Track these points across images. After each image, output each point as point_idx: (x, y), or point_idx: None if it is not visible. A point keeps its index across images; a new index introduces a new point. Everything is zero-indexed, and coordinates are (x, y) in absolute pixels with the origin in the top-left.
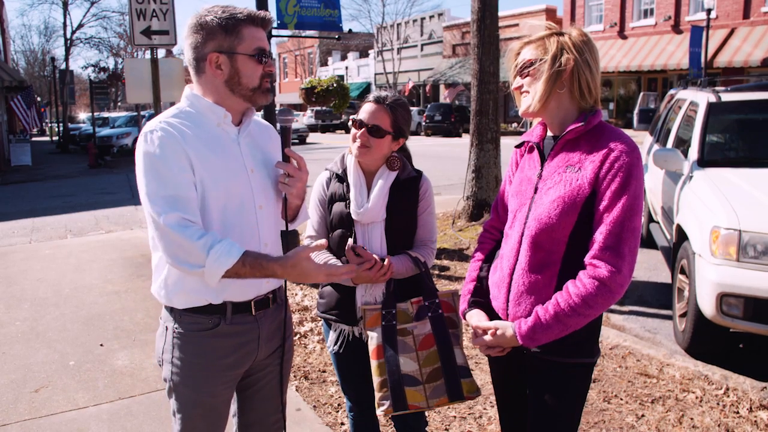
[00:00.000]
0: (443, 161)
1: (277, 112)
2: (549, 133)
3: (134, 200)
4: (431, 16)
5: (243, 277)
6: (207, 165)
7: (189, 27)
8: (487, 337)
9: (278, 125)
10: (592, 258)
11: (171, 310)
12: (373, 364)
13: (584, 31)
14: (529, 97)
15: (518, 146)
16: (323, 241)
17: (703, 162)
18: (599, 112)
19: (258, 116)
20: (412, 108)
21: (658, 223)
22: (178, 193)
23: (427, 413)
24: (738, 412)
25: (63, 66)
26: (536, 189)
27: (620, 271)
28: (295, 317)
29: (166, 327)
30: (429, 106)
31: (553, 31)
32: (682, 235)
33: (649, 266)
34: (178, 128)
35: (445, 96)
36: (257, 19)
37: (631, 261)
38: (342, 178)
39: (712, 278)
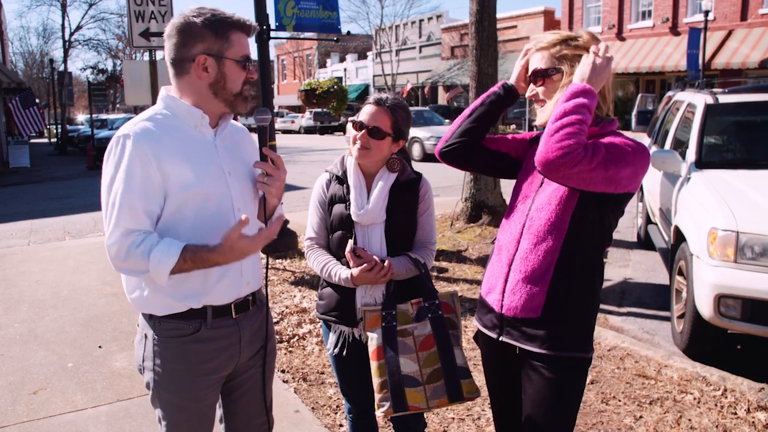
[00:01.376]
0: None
1: (255, 111)
2: None
3: None
4: (429, 18)
5: (189, 271)
6: (183, 169)
7: (175, 26)
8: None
9: (256, 124)
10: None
11: (149, 318)
12: (373, 365)
13: (596, 36)
14: (546, 108)
15: (532, 141)
16: (245, 216)
17: (701, 163)
18: (615, 122)
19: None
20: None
21: (656, 224)
22: (131, 203)
23: (425, 415)
24: (736, 413)
25: (61, 68)
26: (542, 182)
27: (582, 161)
28: (294, 319)
29: (145, 335)
30: (427, 108)
31: (567, 36)
32: (680, 237)
33: (647, 268)
34: (152, 133)
35: (446, 98)
36: (246, 26)
37: (596, 167)
38: (342, 179)
39: (710, 279)
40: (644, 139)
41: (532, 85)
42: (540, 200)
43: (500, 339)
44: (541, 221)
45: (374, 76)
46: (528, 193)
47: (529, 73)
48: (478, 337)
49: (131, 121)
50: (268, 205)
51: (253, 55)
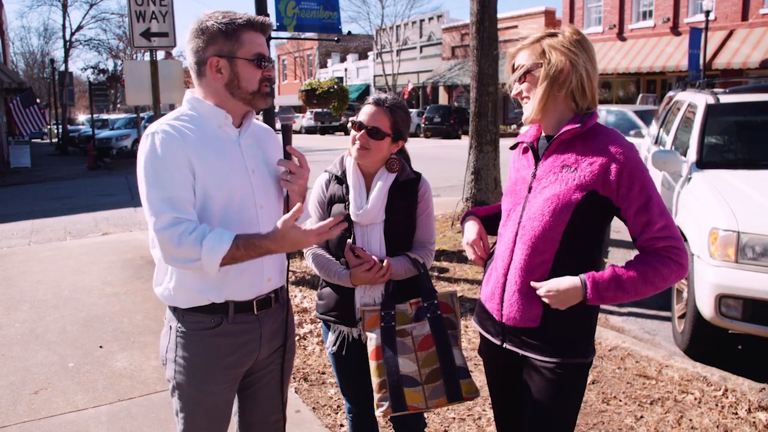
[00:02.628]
0: (442, 163)
1: (277, 110)
2: (544, 133)
3: (133, 202)
4: (430, 18)
5: (241, 260)
6: (208, 166)
7: (190, 32)
8: (543, 290)
9: (279, 123)
10: (664, 248)
11: (174, 310)
12: (372, 365)
13: (578, 30)
14: (529, 104)
15: (512, 147)
16: (299, 205)
17: (702, 164)
18: (595, 114)
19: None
20: (411, 110)
21: None
22: (173, 194)
23: (426, 414)
24: (737, 414)
25: (62, 68)
26: (530, 188)
27: (686, 252)
28: (295, 319)
29: (170, 327)
30: (428, 107)
31: (546, 32)
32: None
33: None
34: (179, 130)
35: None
36: (257, 24)
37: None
38: (341, 179)
39: (711, 280)
40: (645, 140)
41: (516, 84)
42: (532, 209)
43: (504, 346)
44: (534, 231)
45: (375, 76)
46: (518, 200)
47: (513, 73)
48: (481, 341)
49: (158, 120)
50: (291, 203)
51: None
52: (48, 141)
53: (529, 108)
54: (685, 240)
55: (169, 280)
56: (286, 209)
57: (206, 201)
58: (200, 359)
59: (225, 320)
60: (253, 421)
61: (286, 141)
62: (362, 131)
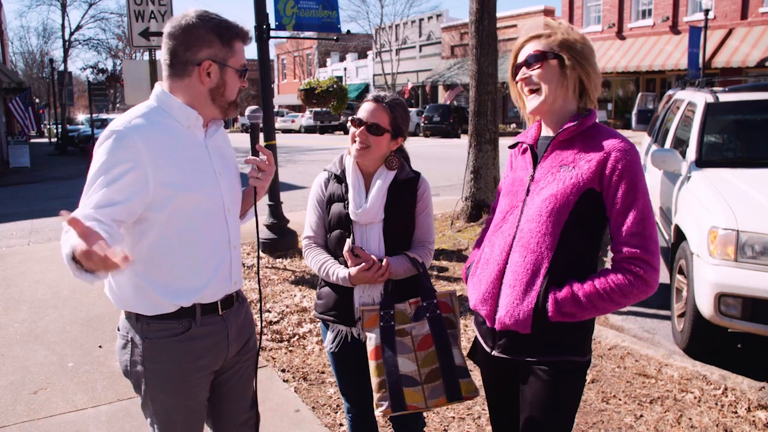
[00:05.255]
0: (442, 162)
1: (247, 110)
2: (543, 134)
3: None
4: (430, 17)
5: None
6: (177, 171)
7: (180, 27)
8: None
9: (248, 122)
10: (628, 258)
11: (136, 320)
12: (372, 364)
13: (581, 33)
14: (540, 93)
15: (512, 147)
16: None
17: (701, 162)
18: (593, 113)
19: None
20: (411, 109)
21: (656, 223)
22: (111, 198)
23: (425, 414)
24: (736, 412)
25: (61, 68)
26: (528, 191)
27: (656, 269)
28: (294, 318)
29: (131, 339)
30: (427, 107)
31: (558, 30)
32: (680, 236)
33: None
34: (146, 131)
35: (445, 98)
36: (246, 37)
37: (659, 255)
38: (340, 178)
39: (711, 278)
40: (644, 138)
41: (524, 69)
42: (530, 212)
43: (493, 353)
44: (532, 234)
45: (374, 75)
46: (515, 203)
47: (521, 60)
48: (473, 344)
49: (125, 117)
50: (250, 201)
51: (253, 54)
52: (48, 140)
53: (540, 98)
54: (684, 239)
55: (126, 284)
56: (255, 206)
57: (174, 206)
58: (173, 366)
59: (193, 324)
60: (224, 422)
61: (254, 139)
62: (362, 128)
